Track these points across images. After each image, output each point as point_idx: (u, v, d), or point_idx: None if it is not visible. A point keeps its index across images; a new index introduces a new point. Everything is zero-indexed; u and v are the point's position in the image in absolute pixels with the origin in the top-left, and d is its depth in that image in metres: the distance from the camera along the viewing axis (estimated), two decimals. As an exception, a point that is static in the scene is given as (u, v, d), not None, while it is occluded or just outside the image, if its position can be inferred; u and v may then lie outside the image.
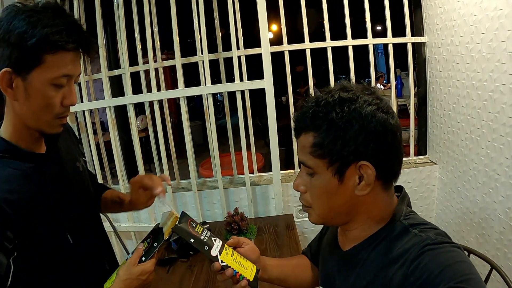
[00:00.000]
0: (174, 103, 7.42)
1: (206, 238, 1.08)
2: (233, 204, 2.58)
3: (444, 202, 2.60)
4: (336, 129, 0.87)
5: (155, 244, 1.21)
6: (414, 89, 2.86)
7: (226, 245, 1.11)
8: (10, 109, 1.11)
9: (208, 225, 2.15)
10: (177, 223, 1.09)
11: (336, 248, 1.10)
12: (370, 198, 0.93)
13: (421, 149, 2.89)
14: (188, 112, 2.52)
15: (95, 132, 2.82)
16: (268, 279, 1.25)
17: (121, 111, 2.88)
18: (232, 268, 1.06)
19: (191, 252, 2.00)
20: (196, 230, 1.08)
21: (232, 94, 2.52)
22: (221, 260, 1.05)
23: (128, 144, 2.97)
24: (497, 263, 1.55)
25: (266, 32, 2.21)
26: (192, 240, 1.06)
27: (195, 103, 9.38)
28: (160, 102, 2.55)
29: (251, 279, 1.08)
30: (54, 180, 1.20)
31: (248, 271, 1.09)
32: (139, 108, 2.70)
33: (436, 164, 2.69)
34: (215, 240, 1.08)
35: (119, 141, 2.68)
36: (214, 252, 1.06)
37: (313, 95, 0.98)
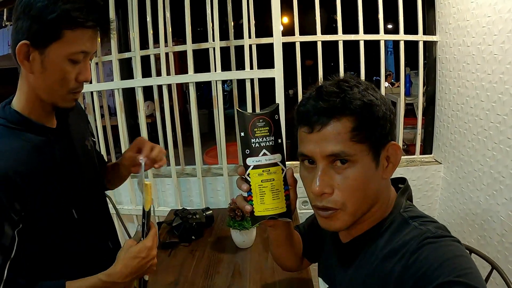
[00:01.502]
0: (180, 91, 7.43)
1: (258, 145, 0.96)
2: (237, 192, 2.54)
3: (447, 202, 2.60)
4: (375, 109, 0.87)
5: (144, 220, 1.17)
6: (423, 88, 2.85)
7: (278, 167, 0.97)
8: (25, 81, 1.12)
9: (211, 211, 2.16)
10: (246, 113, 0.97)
11: (336, 239, 1.09)
12: (386, 184, 0.95)
13: (427, 148, 2.89)
14: (196, 100, 2.52)
15: (102, 116, 2.83)
16: (275, 235, 1.20)
17: (128, 95, 2.89)
18: (250, 188, 0.98)
19: (193, 237, 2.00)
20: (258, 129, 0.95)
21: (240, 85, 2.53)
22: (248, 174, 0.97)
23: (134, 130, 2.97)
24: (498, 265, 1.55)
25: (278, 21, 2.21)
26: (242, 134, 0.96)
27: (202, 92, 9.37)
28: (169, 89, 2.56)
29: (255, 213, 0.98)
30: (63, 155, 1.22)
31: (263, 206, 0.98)
32: (146, 94, 2.71)
33: (441, 163, 2.69)
34: (268, 153, 0.95)
35: (126, 124, 2.68)
36: (250, 161, 0.96)
37: None
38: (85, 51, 1.08)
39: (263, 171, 0.96)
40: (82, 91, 2.45)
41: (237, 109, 0.99)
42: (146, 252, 1.14)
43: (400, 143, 2.84)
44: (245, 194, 1.01)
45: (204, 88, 9.20)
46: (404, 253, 0.84)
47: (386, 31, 2.59)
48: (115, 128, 2.71)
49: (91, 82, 2.57)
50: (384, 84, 2.71)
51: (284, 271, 1.42)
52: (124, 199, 2.76)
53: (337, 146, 0.86)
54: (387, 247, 0.90)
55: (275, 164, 0.97)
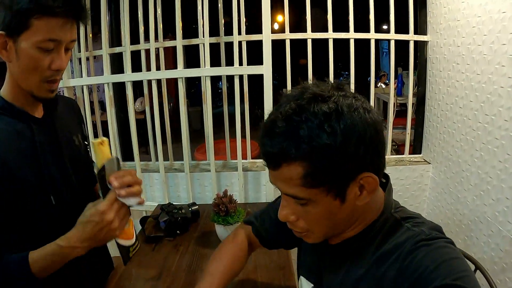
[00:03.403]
0: (174, 87, 7.44)
1: None
2: (224, 188, 2.56)
3: (435, 202, 2.60)
4: (332, 152, 0.76)
5: (99, 184, 1.13)
6: (414, 88, 2.85)
7: None
8: (10, 71, 1.15)
9: (197, 206, 2.15)
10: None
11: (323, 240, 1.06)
12: (366, 203, 0.89)
13: (416, 148, 2.90)
14: (186, 94, 2.52)
15: (94, 112, 2.82)
16: None
17: (120, 91, 2.88)
18: None
19: (178, 232, 2.00)
20: None
21: (231, 83, 2.52)
22: None
23: (125, 125, 2.97)
24: (484, 266, 1.55)
25: (268, 17, 2.20)
26: None
27: (196, 89, 9.39)
28: (159, 85, 2.55)
29: None
30: (44, 142, 1.24)
31: None
32: (139, 90, 2.70)
33: (429, 163, 2.69)
34: None
35: (115, 119, 2.67)
36: None
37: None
38: (55, 39, 1.08)
39: None
40: (73, 85, 2.48)
41: None
42: (99, 217, 1.08)
43: (389, 144, 2.83)
44: None
45: (198, 85, 9.20)
46: (398, 255, 0.83)
47: (380, 32, 2.58)
48: (105, 124, 2.69)
49: (81, 76, 2.57)
50: (373, 84, 2.70)
51: None
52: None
53: (290, 190, 0.84)
54: (380, 249, 0.89)
55: None
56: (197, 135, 3.98)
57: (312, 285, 1.13)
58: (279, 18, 7.27)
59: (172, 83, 6.81)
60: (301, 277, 1.19)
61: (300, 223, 0.91)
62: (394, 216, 0.92)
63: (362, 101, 0.83)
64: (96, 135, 2.78)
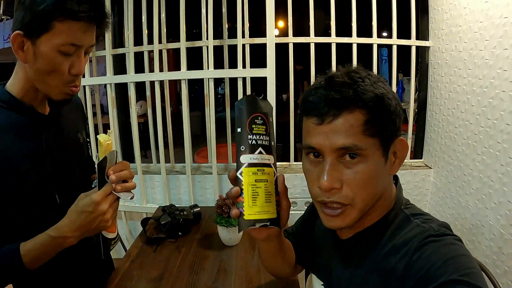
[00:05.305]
0: (174, 92, 7.43)
1: (254, 142, 0.88)
2: (225, 190, 2.56)
3: (436, 207, 2.60)
4: (387, 103, 0.84)
5: (97, 176, 1.12)
6: (415, 94, 2.85)
7: (271, 169, 0.91)
8: (21, 68, 1.13)
9: (199, 208, 2.15)
10: None
11: (334, 236, 1.07)
12: (390, 180, 0.93)
13: (418, 153, 2.90)
14: (188, 99, 2.51)
15: (94, 115, 2.82)
16: (267, 247, 1.14)
17: (121, 93, 2.89)
18: (241, 190, 0.87)
19: (179, 233, 1.99)
20: (256, 126, 0.88)
21: (233, 87, 2.53)
22: (241, 172, 0.87)
23: (126, 129, 2.97)
24: (486, 268, 1.55)
25: (272, 20, 2.21)
26: (238, 130, 0.88)
27: (195, 94, 9.41)
28: (161, 88, 2.55)
29: (245, 216, 0.86)
30: (50, 140, 1.22)
31: (255, 208, 0.87)
32: (139, 93, 2.70)
33: (431, 168, 2.69)
34: (263, 152, 0.89)
35: (117, 121, 2.67)
36: (245, 159, 0.88)
37: None
38: (76, 44, 1.07)
39: (257, 170, 0.88)
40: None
41: (236, 102, 0.91)
42: (93, 207, 1.08)
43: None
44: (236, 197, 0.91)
45: (198, 90, 9.23)
46: (407, 251, 0.83)
47: (381, 37, 2.59)
48: (107, 127, 2.70)
49: (84, 76, 2.56)
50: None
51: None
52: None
53: (349, 139, 0.82)
54: (389, 244, 0.89)
55: (269, 165, 0.91)
56: (197, 140, 3.98)
57: (322, 283, 1.13)
58: (280, 23, 7.27)
59: (172, 89, 6.81)
60: (312, 275, 1.20)
61: (345, 192, 0.85)
62: (404, 212, 0.93)
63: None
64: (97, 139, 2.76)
